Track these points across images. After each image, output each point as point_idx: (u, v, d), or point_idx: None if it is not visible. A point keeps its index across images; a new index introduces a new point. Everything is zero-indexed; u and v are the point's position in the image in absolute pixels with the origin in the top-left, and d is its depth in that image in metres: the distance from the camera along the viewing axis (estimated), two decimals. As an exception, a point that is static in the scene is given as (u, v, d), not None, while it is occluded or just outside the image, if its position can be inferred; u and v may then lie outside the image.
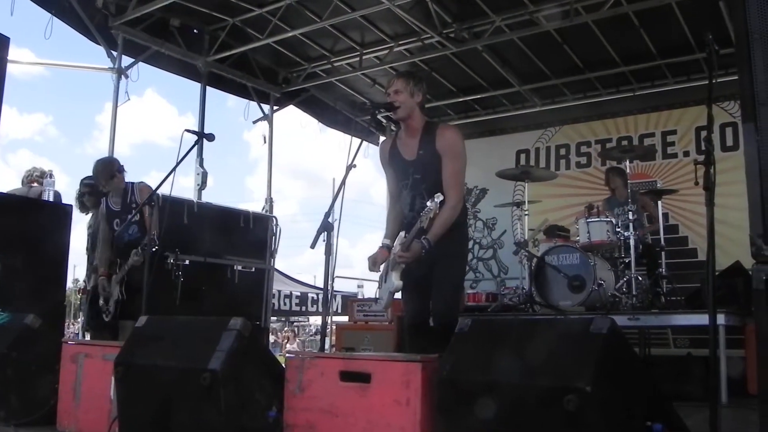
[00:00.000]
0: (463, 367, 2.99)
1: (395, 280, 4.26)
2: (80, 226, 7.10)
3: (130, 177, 6.05)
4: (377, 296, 4.81)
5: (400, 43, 9.04)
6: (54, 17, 7.66)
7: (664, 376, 6.22)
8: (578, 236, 7.16)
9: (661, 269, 6.96)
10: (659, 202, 7.21)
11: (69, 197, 6.87)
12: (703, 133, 3.81)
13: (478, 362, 2.98)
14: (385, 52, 9.24)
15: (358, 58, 9.48)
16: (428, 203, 4.06)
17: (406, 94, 4.40)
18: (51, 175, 6.61)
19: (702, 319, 5.68)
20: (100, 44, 8.09)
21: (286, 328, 31.53)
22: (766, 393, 2.21)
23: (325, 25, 8.49)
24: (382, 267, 4.48)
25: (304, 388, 3.36)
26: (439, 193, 4.10)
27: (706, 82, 3.75)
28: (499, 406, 2.78)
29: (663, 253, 7.09)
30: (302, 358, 3.46)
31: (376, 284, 4.95)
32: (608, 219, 6.88)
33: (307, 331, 30.38)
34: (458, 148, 4.40)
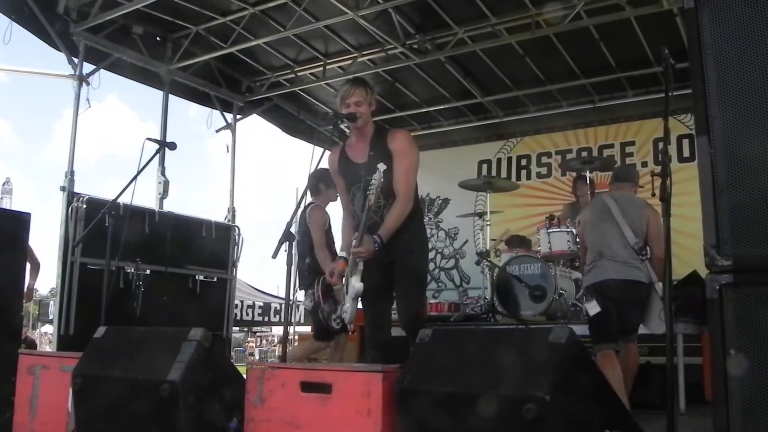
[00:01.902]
0: (424, 377, 3.00)
1: (356, 283, 4.24)
2: (39, 233, 6.99)
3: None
4: (342, 311, 4.70)
5: (364, 53, 9.07)
6: (14, 22, 7.54)
7: (624, 385, 6.28)
8: (539, 246, 7.24)
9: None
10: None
11: (29, 204, 6.77)
12: (661, 145, 3.88)
13: (438, 372, 2.99)
14: (349, 62, 9.26)
15: (321, 68, 9.47)
16: (374, 175, 4.07)
17: (366, 105, 4.44)
18: (8, 182, 6.49)
19: (660, 327, 5.76)
20: (61, 50, 7.98)
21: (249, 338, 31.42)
22: (719, 399, 2.25)
23: (288, 35, 8.47)
24: (342, 279, 4.48)
25: (264, 399, 3.35)
26: (381, 163, 4.11)
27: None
28: (460, 416, 2.80)
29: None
30: (263, 368, 3.45)
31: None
32: (569, 229, 6.97)
33: (269, 340, 30.31)
34: (408, 147, 4.44)
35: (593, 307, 4.94)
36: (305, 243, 5.94)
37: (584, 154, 9.58)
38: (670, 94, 3.78)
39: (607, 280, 4.95)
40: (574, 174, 8.32)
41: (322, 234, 5.87)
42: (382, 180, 4.10)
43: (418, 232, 4.58)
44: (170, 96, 9.28)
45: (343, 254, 4.54)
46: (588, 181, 7.42)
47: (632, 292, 4.93)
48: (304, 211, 6.04)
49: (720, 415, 2.26)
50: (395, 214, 4.26)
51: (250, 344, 31.89)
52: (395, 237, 4.28)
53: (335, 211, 5.84)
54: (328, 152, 4.69)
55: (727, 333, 2.28)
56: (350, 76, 9.02)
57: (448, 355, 3.06)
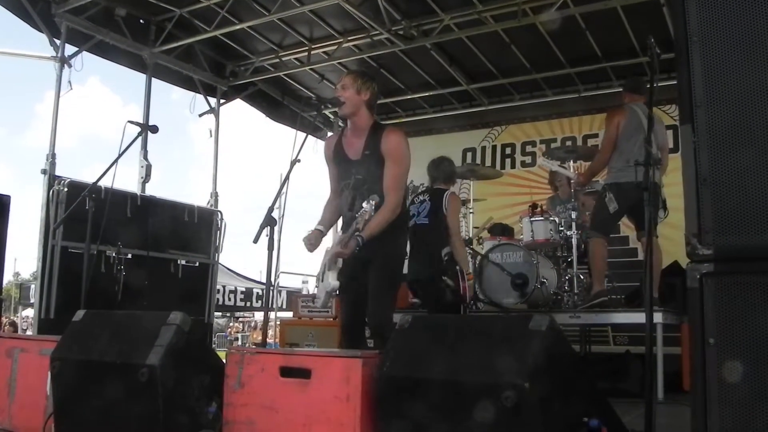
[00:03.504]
0: (404, 363, 2.99)
1: (332, 280, 4.24)
2: (21, 216, 6.93)
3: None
4: (315, 295, 4.81)
5: (349, 38, 9.01)
6: (-6, 2, 7.44)
7: (604, 373, 6.32)
8: (522, 235, 7.24)
9: (602, 268, 7.06)
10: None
11: (9, 187, 6.69)
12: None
13: (418, 358, 2.98)
14: (334, 47, 9.20)
15: (306, 53, 9.41)
16: (364, 204, 4.06)
17: (353, 90, 4.39)
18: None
19: (640, 317, 5.78)
20: (42, 32, 7.88)
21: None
22: (697, 388, 2.25)
23: (273, 19, 8.41)
24: (319, 265, 4.46)
25: (244, 384, 3.33)
26: (374, 195, 4.14)
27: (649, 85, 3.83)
28: (439, 402, 2.80)
29: (604, 252, 7.20)
30: (242, 353, 3.43)
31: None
32: (551, 218, 6.97)
33: (252, 326, 30.28)
34: (401, 152, 4.40)
35: (610, 201, 6.09)
36: (440, 232, 5.90)
37: (569, 143, 9.58)
38: (655, 85, 3.79)
39: (630, 182, 5.73)
40: (558, 163, 8.32)
41: (459, 222, 5.81)
42: (372, 213, 4.08)
43: (396, 241, 4.51)
44: (153, 79, 9.21)
45: (320, 228, 4.54)
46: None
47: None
48: (438, 198, 6.05)
49: (698, 404, 2.26)
50: (380, 220, 4.23)
51: (233, 329, 31.90)
52: (375, 238, 4.25)
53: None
54: (311, 138, 4.66)
55: (707, 322, 2.28)
56: (335, 61, 9.01)
57: (427, 342, 3.06)
